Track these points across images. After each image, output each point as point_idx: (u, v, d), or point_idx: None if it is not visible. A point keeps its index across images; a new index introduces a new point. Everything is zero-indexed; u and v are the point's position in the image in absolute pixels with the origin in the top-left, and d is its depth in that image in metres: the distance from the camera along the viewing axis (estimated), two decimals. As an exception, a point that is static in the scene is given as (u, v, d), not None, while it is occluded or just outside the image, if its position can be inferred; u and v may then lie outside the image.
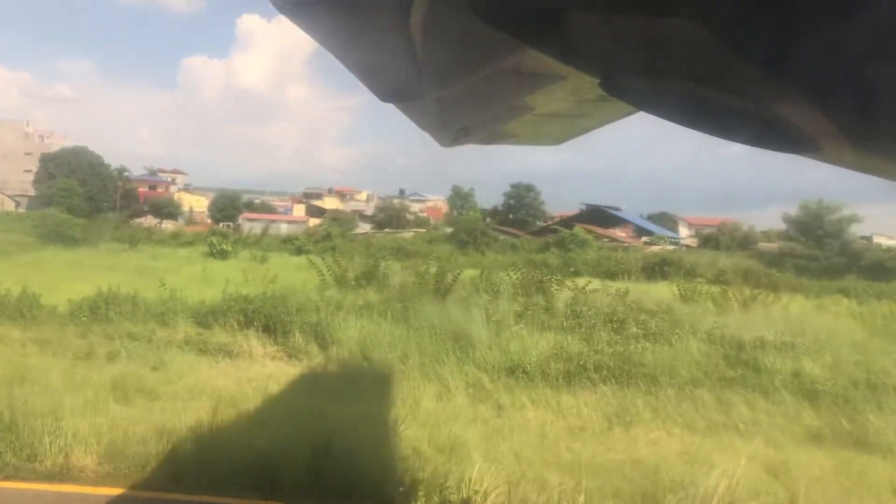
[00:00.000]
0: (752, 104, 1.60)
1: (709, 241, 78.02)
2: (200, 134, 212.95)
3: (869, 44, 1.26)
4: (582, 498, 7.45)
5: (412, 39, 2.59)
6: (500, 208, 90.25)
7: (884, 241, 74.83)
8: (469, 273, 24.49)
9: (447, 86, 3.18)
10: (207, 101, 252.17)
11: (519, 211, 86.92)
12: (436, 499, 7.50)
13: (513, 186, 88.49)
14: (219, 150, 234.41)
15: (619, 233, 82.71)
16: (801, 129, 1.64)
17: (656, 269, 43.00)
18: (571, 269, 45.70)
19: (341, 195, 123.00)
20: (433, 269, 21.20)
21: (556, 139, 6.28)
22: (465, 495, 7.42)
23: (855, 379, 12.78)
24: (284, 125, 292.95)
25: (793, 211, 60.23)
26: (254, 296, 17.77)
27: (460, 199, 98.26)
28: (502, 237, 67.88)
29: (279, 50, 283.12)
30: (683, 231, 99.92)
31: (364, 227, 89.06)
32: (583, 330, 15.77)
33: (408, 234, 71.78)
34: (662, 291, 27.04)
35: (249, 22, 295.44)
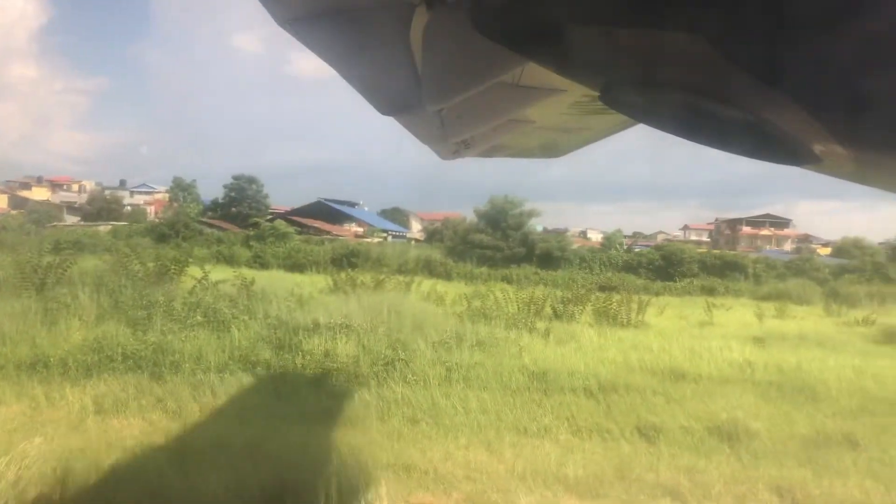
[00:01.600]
0: (752, 116, 1.54)
1: (434, 235, 73.28)
2: None
3: (864, 54, 1.22)
4: None
5: (412, 53, 2.47)
6: (220, 201, 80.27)
7: (595, 235, 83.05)
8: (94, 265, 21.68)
9: (447, 99, 2.94)
10: None
11: (241, 204, 78.05)
12: None
13: (235, 178, 79.63)
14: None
15: (355, 228, 77.57)
16: (800, 140, 1.60)
17: (344, 261, 42.26)
18: (259, 262, 42.13)
19: (55, 185, 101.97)
20: (44, 261, 18.95)
21: (557, 151, 6.08)
22: None
23: (378, 357, 13.07)
24: (4, 107, 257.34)
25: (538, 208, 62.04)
26: None
27: (182, 190, 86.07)
28: (209, 230, 60.81)
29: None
30: (416, 226, 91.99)
31: (73, 220, 76.62)
32: (150, 320, 14.75)
33: (105, 228, 62.39)
34: (321, 282, 26.19)
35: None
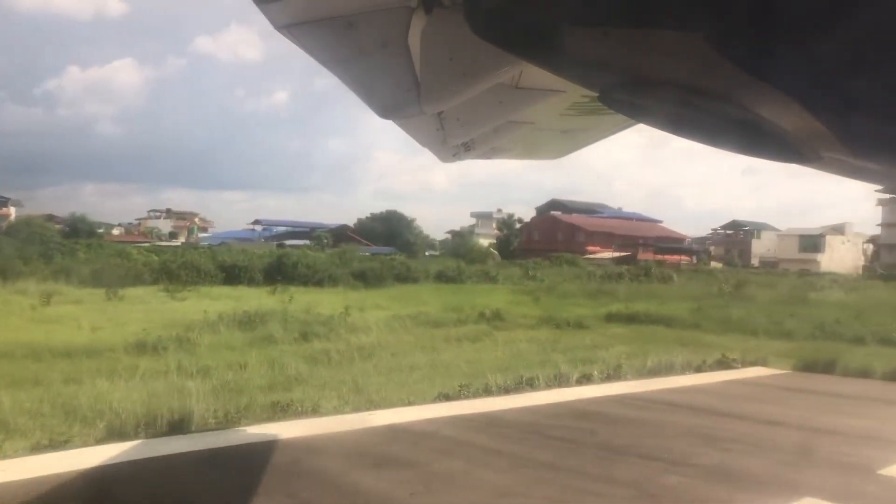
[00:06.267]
0: (753, 116, 1.53)
1: None
2: None
3: (860, 54, 1.23)
4: None
5: (410, 56, 2.45)
6: None
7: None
8: None
9: (446, 102, 2.93)
10: None
11: None
12: None
13: None
14: None
15: None
16: (800, 139, 1.60)
17: None
18: None
19: None
20: None
21: (556, 152, 5.99)
22: None
23: None
24: None
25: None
26: None
27: None
28: None
29: None
30: None
31: None
32: None
33: None
34: None
35: None
